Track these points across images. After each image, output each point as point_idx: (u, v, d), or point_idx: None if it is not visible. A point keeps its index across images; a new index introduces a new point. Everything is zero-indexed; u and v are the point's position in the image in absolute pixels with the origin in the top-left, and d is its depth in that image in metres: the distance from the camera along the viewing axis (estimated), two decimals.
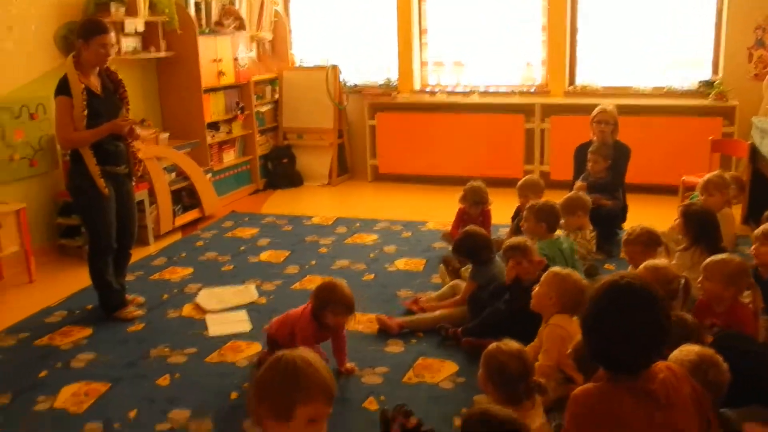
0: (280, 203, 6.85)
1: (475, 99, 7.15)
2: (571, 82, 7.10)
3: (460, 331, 3.66)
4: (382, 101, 7.41)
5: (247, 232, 5.80)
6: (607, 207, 5.16)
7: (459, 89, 7.34)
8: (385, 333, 3.82)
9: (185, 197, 6.14)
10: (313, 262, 5.03)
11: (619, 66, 7.04)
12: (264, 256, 5.21)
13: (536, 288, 3.16)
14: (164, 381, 3.39)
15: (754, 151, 5.47)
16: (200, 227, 6.00)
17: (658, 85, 6.84)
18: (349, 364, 3.44)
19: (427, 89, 7.49)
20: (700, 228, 3.93)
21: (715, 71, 6.69)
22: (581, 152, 5.48)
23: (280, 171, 7.48)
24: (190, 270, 4.93)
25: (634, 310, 1.88)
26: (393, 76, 7.51)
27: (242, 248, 5.40)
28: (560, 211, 4.39)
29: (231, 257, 5.19)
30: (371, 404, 3.13)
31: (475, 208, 5.05)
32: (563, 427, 2.01)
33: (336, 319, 3.26)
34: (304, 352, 1.84)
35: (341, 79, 7.45)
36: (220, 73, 6.62)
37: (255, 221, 6.13)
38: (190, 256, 5.24)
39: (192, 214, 6.10)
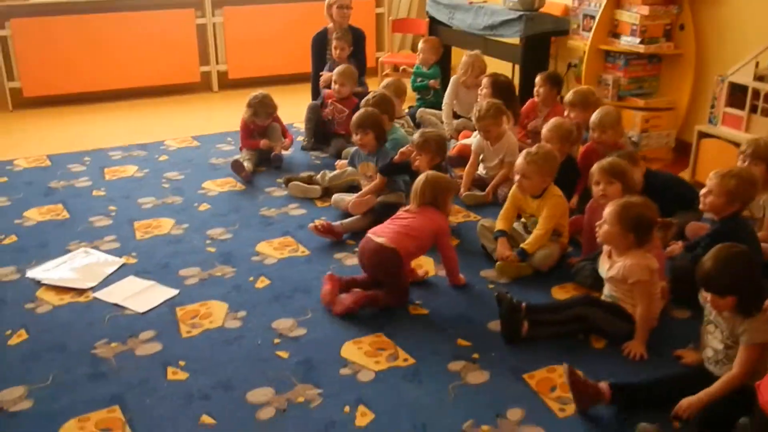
0: None
1: None
2: None
3: None
4: (14, 4, 5.90)
5: None
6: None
7: None
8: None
9: None
10: (113, 208, 4.12)
11: None
12: (33, 215, 4.03)
13: (518, 179, 3.37)
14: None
15: (433, 27, 6.31)
16: None
17: None
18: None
19: None
20: (508, 95, 4.63)
21: None
22: (319, 41, 5.54)
23: None
24: None
25: None
26: None
27: None
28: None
29: None
30: (416, 309, 3.09)
31: (267, 120, 4.80)
32: None
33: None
34: None
35: None
36: None
37: None
38: None
39: None
